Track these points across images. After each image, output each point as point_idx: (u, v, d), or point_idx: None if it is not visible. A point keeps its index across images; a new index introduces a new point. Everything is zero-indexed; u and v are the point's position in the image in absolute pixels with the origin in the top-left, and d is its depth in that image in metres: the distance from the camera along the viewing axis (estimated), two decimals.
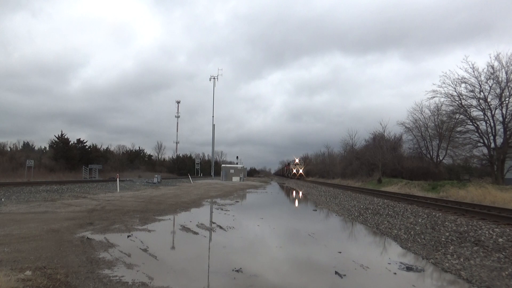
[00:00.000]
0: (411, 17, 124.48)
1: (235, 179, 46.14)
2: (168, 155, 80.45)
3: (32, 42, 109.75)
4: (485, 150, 25.00)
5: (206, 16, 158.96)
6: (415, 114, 34.32)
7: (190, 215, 11.04)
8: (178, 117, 66.36)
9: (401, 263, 5.66)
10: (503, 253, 6.06)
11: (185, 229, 8.31)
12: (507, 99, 23.19)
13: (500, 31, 79.83)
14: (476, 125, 25.30)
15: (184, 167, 68.20)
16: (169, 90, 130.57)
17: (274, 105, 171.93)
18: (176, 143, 66.91)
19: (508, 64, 23.05)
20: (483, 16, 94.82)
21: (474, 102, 25.02)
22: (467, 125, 26.39)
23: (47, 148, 45.87)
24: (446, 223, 9.07)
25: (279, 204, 18.10)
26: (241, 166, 52.44)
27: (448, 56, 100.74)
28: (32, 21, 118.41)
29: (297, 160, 75.49)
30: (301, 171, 72.26)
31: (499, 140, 24.06)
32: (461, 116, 26.33)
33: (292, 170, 73.94)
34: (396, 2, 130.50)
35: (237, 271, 4.93)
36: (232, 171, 47.77)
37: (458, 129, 27.26)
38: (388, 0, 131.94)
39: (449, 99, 26.34)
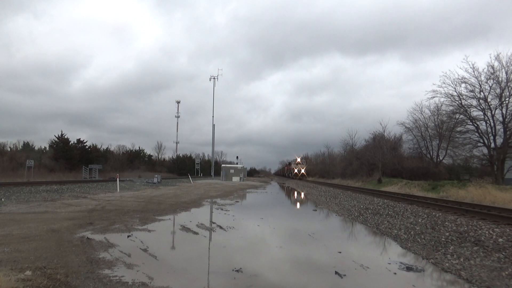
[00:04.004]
0: (410, 19, 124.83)
1: (235, 179, 46.13)
2: (168, 155, 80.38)
3: (34, 43, 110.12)
4: (485, 150, 25.00)
5: (207, 17, 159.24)
6: (415, 114, 34.38)
7: (190, 215, 11.04)
8: (178, 117, 66.28)
9: (401, 263, 5.66)
10: (503, 253, 6.05)
11: (185, 229, 8.31)
12: (507, 99, 23.19)
13: (498, 32, 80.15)
14: (476, 125, 25.30)
15: (184, 167, 68.14)
16: (169, 91, 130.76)
17: (274, 106, 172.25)
18: (176, 143, 66.84)
19: (508, 64, 23.07)
20: (480, 18, 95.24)
21: (474, 102, 25.05)
22: (467, 125, 26.41)
23: (47, 148, 45.94)
24: (446, 223, 9.06)
25: (279, 204, 18.10)
26: (241, 166, 52.40)
27: (447, 57, 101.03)
28: (34, 22, 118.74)
29: (298, 159, 73.46)
30: (303, 170, 70.21)
31: (499, 140, 24.07)
32: (461, 116, 26.35)
33: (294, 170, 72.15)
34: (394, 4, 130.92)
35: (237, 271, 4.93)
36: (232, 171, 47.74)
37: (458, 129, 27.26)
38: (386, 2, 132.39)
39: (449, 99, 26.37)
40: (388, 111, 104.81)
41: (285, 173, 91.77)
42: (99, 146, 51.65)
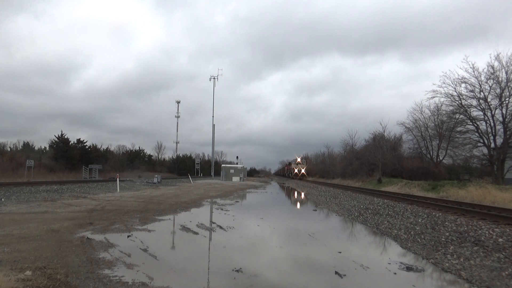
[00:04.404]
0: (409, 19, 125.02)
1: (235, 179, 46.12)
2: (168, 155, 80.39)
3: (34, 44, 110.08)
4: (485, 150, 25.02)
5: (207, 17, 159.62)
6: (415, 114, 34.41)
7: (190, 215, 11.04)
8: (178, 117, 66.25)
9: (401, 263, 5.66)
10: (503, 253, 6.06)
11: (185, 229, 8.31)
12: (507, 99, 23.20)
13: (498, 33, 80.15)
14: (476, 125, 25.31)
15: (184, 167, 68.14)
16: (169, 91, 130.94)
17: (274, 106, 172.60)
18: (176, 143, 66.81)
19: (508, 64, 23.10)
20: (480, 18, 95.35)
21: (474, 102, 25.08)
22: (467, 125, 26.43)
23: (47, 148, 45.87)
24: (446, 223, 9.07)
25: (279, 204, 18.10)
26: (241, 166, 52.38)
27: (446, 57, 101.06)
28: (35, 22, 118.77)
29: (298, 159, 73.00)
30: (303, 170, 69.68)
31: (499, 140, 24.07)
32: (461, 116, 26.37)
33: (294, 170, 71.73)
34: (394, 4, 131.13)
35: (237, 271, 4.93)
36: (232, 171, 47.74)
37: (458, 129, 27.28)
38: (386, 2, 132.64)
39: (449, 99, 26.42)
40: (388, 111, 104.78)
41: (285, 173, 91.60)
42: (99, 146, 51.67)
